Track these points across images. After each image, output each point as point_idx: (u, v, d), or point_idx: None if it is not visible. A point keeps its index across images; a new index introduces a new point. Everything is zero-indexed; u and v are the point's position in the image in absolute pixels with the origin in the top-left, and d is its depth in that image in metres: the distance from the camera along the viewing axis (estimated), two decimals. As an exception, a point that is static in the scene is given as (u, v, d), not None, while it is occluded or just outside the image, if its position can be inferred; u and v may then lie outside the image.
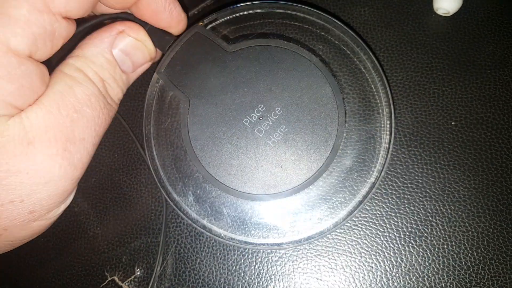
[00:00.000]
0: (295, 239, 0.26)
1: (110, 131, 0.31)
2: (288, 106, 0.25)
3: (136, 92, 0.31)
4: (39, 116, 0.19)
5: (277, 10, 0.27)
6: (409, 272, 0.26)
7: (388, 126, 0.26)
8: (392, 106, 0.26)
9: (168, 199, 0.26)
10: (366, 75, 0.26)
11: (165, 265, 0.28)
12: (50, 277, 0.29)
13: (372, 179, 0.26)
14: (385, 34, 0.30)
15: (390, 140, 0.25)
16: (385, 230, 0.27)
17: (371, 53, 0.26)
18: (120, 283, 0.28)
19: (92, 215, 0.29)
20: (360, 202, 0.25)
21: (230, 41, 0.26)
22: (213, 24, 0.27)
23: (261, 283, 0.27)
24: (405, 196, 0.27)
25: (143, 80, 0.27)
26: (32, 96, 0.19)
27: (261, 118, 0.25)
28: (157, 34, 0.25)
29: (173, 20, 0.25)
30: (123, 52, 0.23)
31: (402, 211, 0.27)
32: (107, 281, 0.28)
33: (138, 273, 0.28)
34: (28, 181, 0.19)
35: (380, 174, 0.25)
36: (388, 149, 0.25)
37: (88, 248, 0.29)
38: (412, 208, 0.27)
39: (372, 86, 0.26)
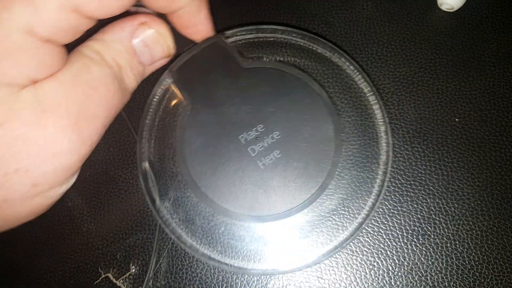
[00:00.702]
0: (260, 268, 0.25)
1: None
2: (287, 133, 0.25)
3: (139, 87, 0.30)
4: (53, 88, 0.19)
5: (300, 42, 0.27)
6: (412, 271, 0.26)
7: (379, 183, 0.26)
8: (389, 162, 0.25)
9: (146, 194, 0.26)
10: (373, 121, 0.26)
11: (161, 262, 0.27)
12: (42, 273, 0.28)
13: (359, 220, 0.25)
14: (388, 29, 0.29)
15: (380, 191, 0.25)
16: (388, 228, 0.26)
17: (381, 103, 0.26)
18: (114, 280, 0.27)
19: (86, 210, 0.29)
20: (330, 252, 0.25)
21: (246, 58, 0.27)
22: (234, 38, 0.27)
23: (260, 280, 0.26)
24: (408, 193, 0.27)
25: (151, 78, 0.26)
26: (48, 72, 0.19)
27: (257, 138, 0.25)
28: (177, 33, 0.25)
29: (200, 34, 0.25)
30: (143, 43, 0.23)
31: (405, 209, 0.27)
32: (101, 278, 0.27)
33: (134, 270, 0.27)
34: (36, 151, 0.19)
35: (365, 220, 0.25)
36: (374, 204, 0.25)
37: (81, 244, 0.28)
38: (415, 206, 0.27)
39: (376, 134, 0.26)
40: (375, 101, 0.26)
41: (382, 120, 0.26)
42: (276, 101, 0.26)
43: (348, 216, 0.26)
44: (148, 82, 0.29)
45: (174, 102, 0.27)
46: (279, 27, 0.27)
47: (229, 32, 0.27)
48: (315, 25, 0.30)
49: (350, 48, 0.29)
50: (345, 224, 0.26)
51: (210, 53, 0.26)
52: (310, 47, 0.27)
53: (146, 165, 0.26)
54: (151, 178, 0.26)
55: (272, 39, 0.28)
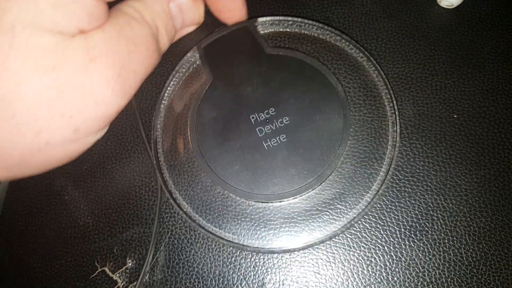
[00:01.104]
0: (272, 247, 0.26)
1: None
2: (297, 120, 0.26)
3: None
4: (101, 38, 0.20)
5: (326, 37, 0.28)
6: (409, 267, 0.26)
7: (379, 182, 0.26)
8: (393, 162, 0.26)
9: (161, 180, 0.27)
10: (383, 121, 0.27)
11: (157, 256, 0.27)
12: (38, 266, 0.28)
13: (352, 215, 0.26)
14: (387, 25, 0.29)
15: (379, 189, 0.26)
16: (385, 223, 0.26)
17: (396, 107, 0.27)
18: (110, 274, 0.27)
19: (83, 203, 0.29)
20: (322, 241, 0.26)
21: (271, 45, 0.28)
22: (264, 26, 0.29)
23: (257, 275, 0.26)
24: (406, 189, 0.27)
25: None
26: (95, 24, 0.20)
27: (267, 121, 0.26)
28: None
29: (234, 19, 0.27)
30: (178, 8, 0.25)
31: (402, 205, 0.27)
32: (97, 272, 0.27)
33: (130, 264, 0.27)
34: (82, 97, 0.20)
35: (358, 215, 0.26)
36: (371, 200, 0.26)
37: (78, 237, 0.28)
38: (413, 202, 0.27)
39: (385, 134, 0.27)
40: (391, 105, 0.27)
41: (393, 128, 0.26)
42: (292, 88, 0.26)
43: (344, 209, 0.26)
44: (169, 61, 0.30)
45: (196, 76, 0.28)
46: (307, 21, 0.28)
47: (260, 19, 0.28)
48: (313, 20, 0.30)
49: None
50: (339, 216, 0.26)
51: (239, 36, 0.27)
52: (334, 42, 0.28)
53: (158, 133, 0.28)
54: (161, 144, 0.28)
55: (299, 31, 0.29)
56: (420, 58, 0.28)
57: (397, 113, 0.26)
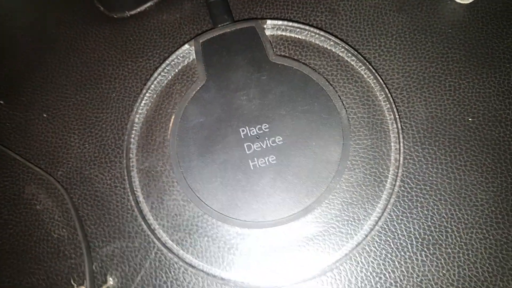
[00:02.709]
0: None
1: (81, 116, 0.27)
2: (291, 142, 0.24)
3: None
4: None
5: (341, 56, 0.26)
6: (422, 283, 0.24)
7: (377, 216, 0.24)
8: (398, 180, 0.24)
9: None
10: (385, 146, 0.25)
11: (142, 274, 0.24)
12: (6, 286, 0.25)
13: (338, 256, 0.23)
14: (397, 19, 0.27)
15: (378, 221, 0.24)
16: (396, 236, 0.24)
17: (399, 123, 0.25)
18: (89, 294, 0.24)
19: (57, 214, 0.25)
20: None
21: (276, 52, 0.26)
22: (273, 28, 0.26)
23: None
24: (418, 199, 0.25)
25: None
26: None
27: (258, 137, 0.24)
28: (219, 10, 0.25)
29: None
30: None
31: (414, 216, 0.24)
32: (73, 292, 0.24)
33: (111, 282, 0.24)
34: None
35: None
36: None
37: (52, 252, 0.25)
38: (426, 212, 0.24)
39: (386, 161, 0.25)
40: (396, 141, 0.24)
41: (395, 164, 0.24)
42: (291, 105, 0.24)
43: (334, 244, 0.24)
44: (161, 51, 0.27)
45: (188, 73, 0.26)
46: (323, 33, 0.26)
47: (269, 22, 0.26)
48: (318, 13, 0.27)
49: (356, 39, 0.27)
50: (327, 252, 0.24)
51: (243, 36, 0.25)
52: (346, 59, 0.26)
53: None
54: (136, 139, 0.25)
55: (311, 41, 0.26)
56: (433, 56, 0.26)
57: (402, 150, 0.24)
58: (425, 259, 0.24)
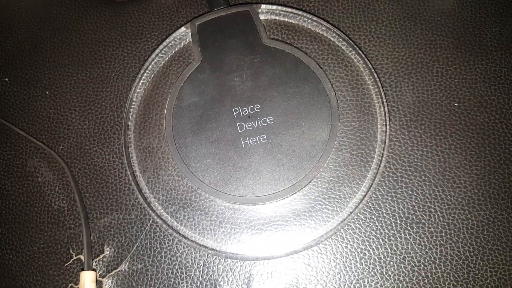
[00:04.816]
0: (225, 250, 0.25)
1: (82, 94, 0.28)
2: (281, 122, 0.24)
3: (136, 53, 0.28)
4: None
5: (332, 41, 0.27)
6: (404, 260, 0.24)
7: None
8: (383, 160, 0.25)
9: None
10: (373, 128, 0.26)
11: (138, 245, 0.25)
12: (8, 253, 0.26)
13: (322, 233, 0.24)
14: (388, 6, 0.28)
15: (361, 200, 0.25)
16: (380, 214, 0.25)
17: (387, 107, 0.25)
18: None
19: (57, 186, 0.26)
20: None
21: (269, 36, 0.26)
22: (266, 13, 0.27)
23: (244, 267, 0.25)
24: (403, 179, 0.25)
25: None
26: None
27: (250, 117, 0.25)
28: None
29: None
30: None
31: (399, 195, 0.25)
32: (72, 260, 0.25)
33: (108, 252, 0.25)
34: None
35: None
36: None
37: (52, 222, 0.26)
38: (410, 192, 0.25)
39: (372, 143, 0.26)
40: (383, 123, 0.25)
41: (381, 146, 0.25)
42: (282, 86, 0.25)
43: (318, 222, 0.25)
44: (159, 33, 0.28)
45: (184, 54, 0.27)
46: (315, 18, 0.27)
47: (263, 6, 0.27)
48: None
49: (347, 25, 0.28)
50: (313, 228, 0.25)
51: (237, 20, 0.26)
52: (338, 44, 0.27)
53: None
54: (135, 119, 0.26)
55: (303, 26, 0.27)
56: (421, 43, 0.27)
57: (388, 132, 0.25)
58: (408, 237, 0.25)
